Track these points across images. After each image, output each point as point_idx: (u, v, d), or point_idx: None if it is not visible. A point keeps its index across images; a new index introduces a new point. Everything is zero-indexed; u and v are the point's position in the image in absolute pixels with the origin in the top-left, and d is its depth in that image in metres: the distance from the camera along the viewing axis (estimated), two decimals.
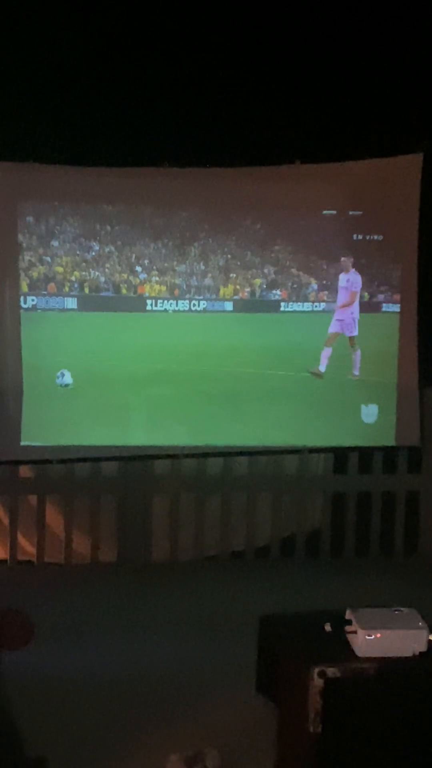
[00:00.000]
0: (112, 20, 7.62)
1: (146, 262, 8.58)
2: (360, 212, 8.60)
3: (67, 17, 7.55)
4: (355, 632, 4.65)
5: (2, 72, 7.58)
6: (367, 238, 8.65)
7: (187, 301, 8.68)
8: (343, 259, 8.57)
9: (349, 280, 8.61)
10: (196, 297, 8.68)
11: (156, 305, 8.61)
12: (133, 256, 8.57)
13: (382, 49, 7.93)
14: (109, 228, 8.49)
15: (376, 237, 8.65)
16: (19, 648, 4.05)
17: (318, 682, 4.52)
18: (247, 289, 8.77)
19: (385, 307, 8.73)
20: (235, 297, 8.78)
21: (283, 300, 8.81)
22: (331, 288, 8.71)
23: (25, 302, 8.26)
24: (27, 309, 8.26)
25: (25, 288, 8.25)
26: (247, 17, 7.75)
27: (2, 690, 4.38)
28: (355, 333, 8.65)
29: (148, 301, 8.63)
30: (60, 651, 6.41)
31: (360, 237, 8.65)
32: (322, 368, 8.63)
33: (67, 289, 8.43)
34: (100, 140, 7.80)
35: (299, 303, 8.81)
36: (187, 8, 7.66)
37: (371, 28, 7.79)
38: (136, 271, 8.59)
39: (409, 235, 8.52)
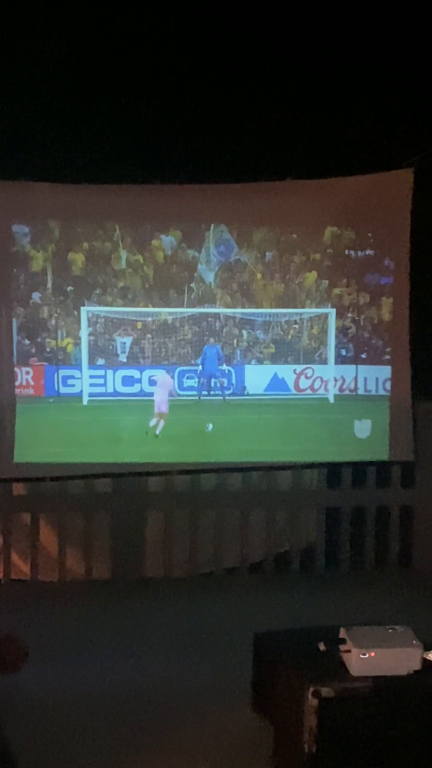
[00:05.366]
0: (107, 40, 7.64)
1: None
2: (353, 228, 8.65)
3: (59, 37, 7.58)
4: (349, 651, 4.65)
5: None
6: (359, 253, 8.67)
7: None
8: None
9: None
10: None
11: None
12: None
13: (373, 65, 7.97)
14: None
15: (368, 252, 8.67)
16: (13, 672, 4.03)
17: (312, 701, 4.52)
18: None
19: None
20: None
21: None
22: None
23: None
24: None
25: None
26: (238, 39, 7.79)
27: None
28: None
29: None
30: (54, 669, 6.38)
31: (352, 253, 8.67)
32: None
33: None
34: (95, 157, 7.82)
35: None
36: (178, 32, 7.70)
37: (360, 46, 7.84)
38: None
39: (401, 250, 8.55)
